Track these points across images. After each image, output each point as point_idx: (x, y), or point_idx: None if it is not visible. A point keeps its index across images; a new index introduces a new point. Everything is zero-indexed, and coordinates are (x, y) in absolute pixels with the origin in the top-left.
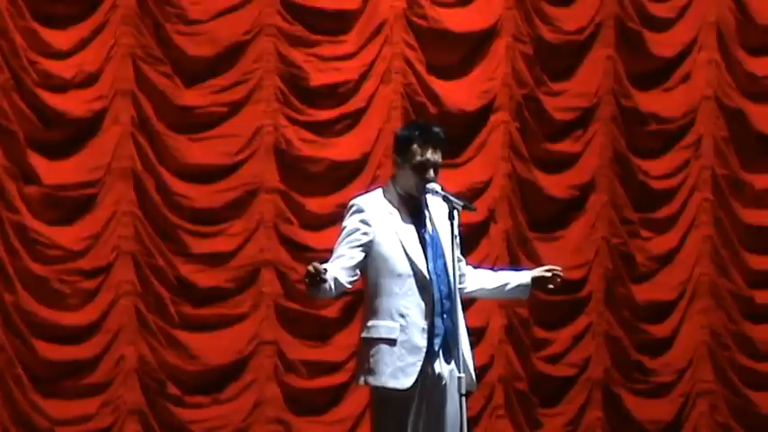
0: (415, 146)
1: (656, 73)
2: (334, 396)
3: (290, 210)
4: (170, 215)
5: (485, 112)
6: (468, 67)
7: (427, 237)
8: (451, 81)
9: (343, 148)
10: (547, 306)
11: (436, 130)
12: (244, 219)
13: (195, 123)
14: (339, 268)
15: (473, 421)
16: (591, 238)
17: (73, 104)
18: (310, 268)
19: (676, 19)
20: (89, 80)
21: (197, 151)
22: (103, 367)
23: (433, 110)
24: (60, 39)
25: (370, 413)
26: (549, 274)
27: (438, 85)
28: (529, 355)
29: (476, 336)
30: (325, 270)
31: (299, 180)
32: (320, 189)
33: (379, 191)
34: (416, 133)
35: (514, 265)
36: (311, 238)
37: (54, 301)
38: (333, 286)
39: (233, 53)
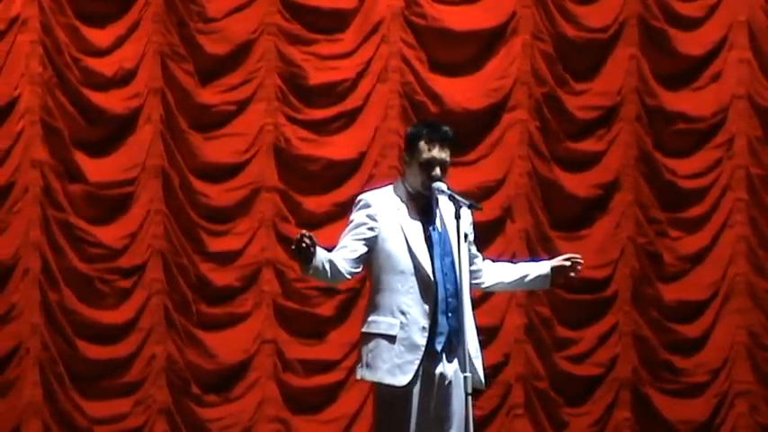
0: (422, 143)
1: (684, 72)
2: (330, 394)
3: (288, 208)
4: (192, 213)
5: (496, 111)
6: (476, 66)
7: (434, 235)
8: (455, 79)
9: (339, 147)
10: (570, 305)
11: (445, 128)
12: (249, 217)
13: (210, 122)
14: (340, 258)
15: (487, 420)
16: (615, 237)
17: (113, 102)
18: (298, 235)
19: (705, 18)
20: (127, 78)
21: (211, 150)
22: (137, 366)
23: (433, 109)
24: (100, 36)
25: (373, 411)
26: (568, 263)
27: (439, 83)
28: (551, 354)
29: (489, 334)
30: (313, 239)
31: (298, 179)
32: (317, 188)
33: (389, 187)
34: (424, 131)
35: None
36: None
37: (95, 299)
38: (328, 268)
39: (242, 52)
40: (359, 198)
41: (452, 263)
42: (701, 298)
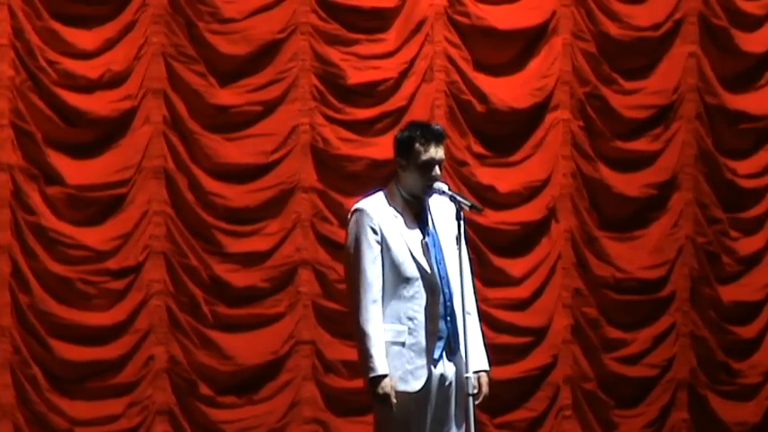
0: (417, 145)
1: (747, 70)
2: None
3: (328, 209)
4: (204, 214)
5: (540, 110)
6: (520, 65)
7: (430, 239)
8: (500, 78)
9: (383, 147)
10: (619, 305)
11: (436, 127)
12: (280, 218)
13: (230, 123)
14: (380, 315)
15: (538, 422)
16: (673, 236)
17: (98, 104)
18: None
19: (767, 16)
20: (116, 80)
21: (232, 150)
22: (131, 368)
23: (479, 107)
24: (84, 39)
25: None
26: (474, 391)
27: (485, 82)
28: (599, 356)
29: (537, 336)
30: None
31: (337, 179)
32: (359, 188)
33: (380, 195)
34: (417, 133)
35: (582, 263)
36: None
37: (77, 301)
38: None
39: (267, 52)
40: (355, 208)
41: (446, 266)
42: (757, 299)
